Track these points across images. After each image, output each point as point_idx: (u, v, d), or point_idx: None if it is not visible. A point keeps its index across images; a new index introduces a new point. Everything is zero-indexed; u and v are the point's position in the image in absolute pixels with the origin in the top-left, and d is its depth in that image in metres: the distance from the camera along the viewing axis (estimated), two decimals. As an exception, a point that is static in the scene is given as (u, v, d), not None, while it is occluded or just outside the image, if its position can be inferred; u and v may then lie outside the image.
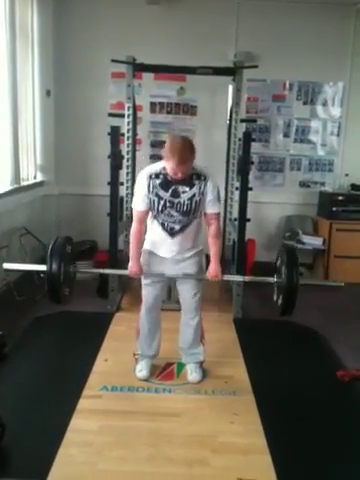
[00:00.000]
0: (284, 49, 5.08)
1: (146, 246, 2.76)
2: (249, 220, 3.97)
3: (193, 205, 2.55)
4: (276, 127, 5.35)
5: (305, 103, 5.30)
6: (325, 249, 5.13)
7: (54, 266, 2.48)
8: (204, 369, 3.01)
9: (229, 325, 3.84)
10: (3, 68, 4.12)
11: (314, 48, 5.09)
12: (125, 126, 4.36)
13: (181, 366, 3.05)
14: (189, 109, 5.27)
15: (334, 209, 5.11)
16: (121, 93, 4.50)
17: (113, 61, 4.21)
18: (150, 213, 2.64)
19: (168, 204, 2.55)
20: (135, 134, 4.65)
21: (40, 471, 2.09)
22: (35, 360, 3.14)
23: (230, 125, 4.62)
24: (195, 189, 2.53)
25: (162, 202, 2.55)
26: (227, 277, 2.91)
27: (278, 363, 3.22)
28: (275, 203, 5.42)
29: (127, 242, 4.42)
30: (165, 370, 3.04)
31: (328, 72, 5.22)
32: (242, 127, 4.70)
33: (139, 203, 2.60)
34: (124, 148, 4.37)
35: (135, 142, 4.69)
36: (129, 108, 4.34)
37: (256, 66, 4.39)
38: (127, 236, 4.42)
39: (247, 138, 3.94)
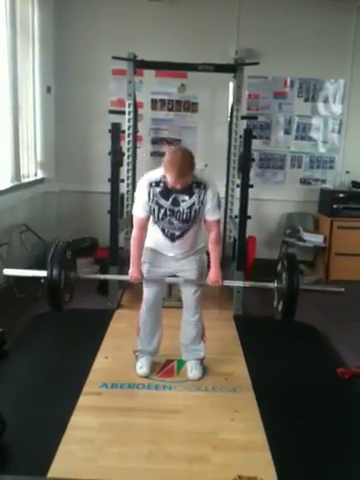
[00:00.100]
0: (285, 46, 5.07)
1: (148, 244, 2.76)
2: (250, 217, 3.97)
3: (193, 213, 2.56)
4: (277, 124, 5.34)
5: (306, 100, 5.29)
6: (326, 246, 5.13)
7: (55, 272, 2.49)
8: (204, 366, 3.01)
9: (229, 322, 3.84)
10: (4, 65, 4.12)
11: (315, 45, 5.08)
12: (126, 123, 4.35)
13: (181, 363, 3.05)
14: (190, 106, 5.26)
15: (335, 206, 5.11)
16: (122, 90, 4.49)
17: (114, 58, 4.21)
18: (151, 217, 2.65)
19: (168, 212, 2.55)
20: (136, 131, 4.65)
21: (40, 468, 2.09)
22: (35, 357, 3.14)
23: (231, 122, 4.61)
24: (195, 198, 2.53)
25: (162, 210, 2.55)
26: (227, 282, 2.91)
27: (278, 360, 3.22)
28: (276, 200, 5.41)
29: (127, 239, 4.43)
30: (165, 367, 3.05)
31: (329, 69, 5.21)
32: (243, 124, 4.70)
33: (140, 210, 2.60)
34: (125, 145, 4.36)
35: (136, 139, 4.69)
36: (130, 105, 4.34)
37: (257, 63, 4.39)
38: (128, 233, 4.42)
39: (248, 135, 3.93)
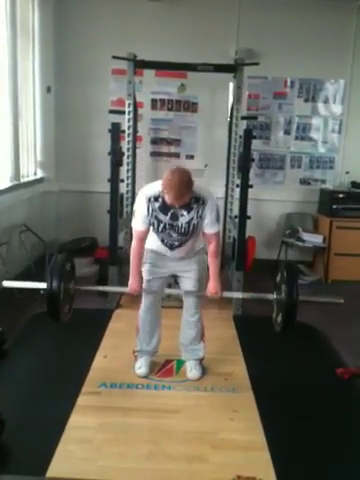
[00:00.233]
0: (285, 46, 5.07)
1: (148, 246, 2.77)
2: (249, 217, 3.97)
3: (191, 227, 2.58)
4: (277, 124, 5.34)
5: (306, 100, 5.29)
6: (325, 247, 5.12)
7: (54, 284, 2.49)
8: (204, 366, 3.01)
9: (229, 322, 3.84)
10: (4, 65, 4.11)
11: (315, 45, 5.07)
12: (126, 123, 4.36)
13: (181, 363, 3.05)
14: (190, 106, 5.26)
15: (334, 207, 5.10)
16: (122, 90, 4.50)
17: (114, 58, 4.21)
18: (150, 227, 2.66)
19: (168, 226, 2.58)
20: (136, 131, 4.65)
21: (39, 467, 2.09)
22: (35, 357, 3.14)
23: (231, 122, 4.62)
24: (193, 213, 2.54)
25: (162, 225, 2.58)
26: (227, 294, 2.92)
27: (278, 360, 3.22)
28: (275, 200, 5.41)
29: (127, 239, 4.44)
30: (164, 367, 3.05)
31: (329, 69, 5.21)
32: (243, 124, 4.70)
33: (139, 224, 2.62)
34: (124, 145, 4.36)
35: (135, 139, 4.69)
36: (130, 105, 4.34)
37: (257, 63, 4.39)
38: (127, 233, 4.43)
39: (248, 135, 3.94)
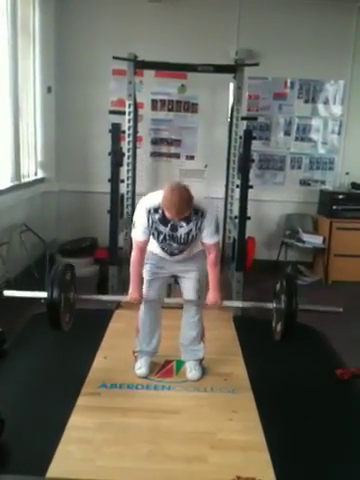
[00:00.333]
0: (285, 47, 5.07)
1: (149, 248, 2.78)
2: (249, 218, 3.97)
3: (190, 238, 2.61)
4: (277, 125, 5.34)
5: (306, 101, 5.29)
6: (325, 248, 5.13)
7: (55, 294, 2.50)
8: (203, 367, 3.01)
9: (229, 323, 3.84)
10: (4, 65, 4.12)
11: (315, 46, 5.08)
12: (126, 123, 4.36)
13: (180, 363, 3.06)
14: (190, 106, 5.26)
15: (334, 207, 5.11)
16: (122, 90, 4.50)
17: (114, 58, 4.21)
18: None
19: (167, 237, 2.61)
20: (136, 131, 4.65)
21: (39, 467, 2.10)
22: (35, 357, 3.15)
23: (231, 123, 4.62)
24: (192, 225, 2.56)
25: (162, 235, 2.61)
26: (226, 303, 2.93)
27: (277, 361, 3.22)
28: (275, 201, 5.42)
29: (127, 239, 4.44)
30: (164, 367, 3.05)
31: (329, 70, 5.21)
32: (243, 125, 4.70)
33: (139, 235, 2.63)
34: (125, 145, 4.36)
35: (136, 139, 4.69)
36: (130, 105, 4.34)
37: (257, 64, 4.39)
38: (127, 234, 4.43)
39: (248, 136, 3.94)
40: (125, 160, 4.35)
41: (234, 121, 4.46)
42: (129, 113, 4.36)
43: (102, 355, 3.19)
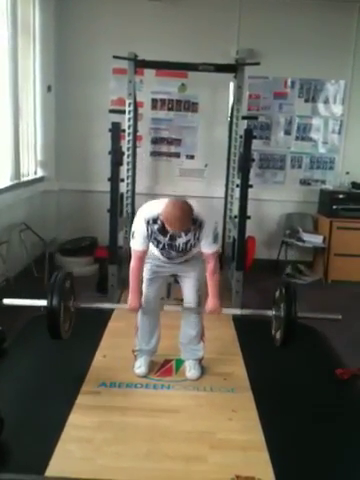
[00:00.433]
0: (286, 46, 5.07)
1: (150, 250, 2.77)
2: (249, 217, 3.97)
3: (188, 247, 2.63)
4: (277, 124, 5.34)
5: (306, 101, 5.29)
6: (325, 247, 5.13)
7: (54, 302, 2.51)
8: (203, 366, 3.01)
9: (228, 322, 3.83)
10: (5, 64, 4.11)
11: (316, 46, 5.07)
12: (126, 122, 4.36)
13: (180, 362, 3.05)
14: (190, 106, 5.26)
15: (334, 207, 5.10)
16: (122, 89, 4.50)
17: (115, 57, 4.22)
18: None
19: (166, 246, 2.63)
20: (136, 130, 4.65)
21: (38, 466, 2.09)
22: (34, 356, 3.14)
23: (231, 122, 4.61)
24: (190, 235, 2.57)
25: (161, 245, 2.63)
26: (226, 311, 2.93)
27: (277, 360, 3.21)
28: (275, 201, 5.41)
29: (126, 238, 4.44)
30: (164, 366, 3.05)
31: (330, 70, 5.21)
32: (243, 124, 4.70)
33: (138, 245, 2.64)
34: (125, 144, 4.36)
35: (136, 138, 4.69)
36: (130, 104, 4.34)
37: (258, 63, 4.39)
38: (127, 232, 4.43)
39: (248, 135, 3.94)
40: (125, 159, 4.36)
41: (234, 120, 4.46)
42: (129, 112, 4.36)
43: (101, 354, 3.19)
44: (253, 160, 4.25)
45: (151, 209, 2.56)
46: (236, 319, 3.89)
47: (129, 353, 3.02)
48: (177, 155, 5.35)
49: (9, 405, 2.48)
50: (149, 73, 4.99)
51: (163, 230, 2.54)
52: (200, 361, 3.00)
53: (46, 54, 4.97)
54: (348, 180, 5.30)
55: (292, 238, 5.20)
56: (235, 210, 4.32)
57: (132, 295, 2.75)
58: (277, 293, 2.76)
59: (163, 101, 5.24)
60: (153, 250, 2.75)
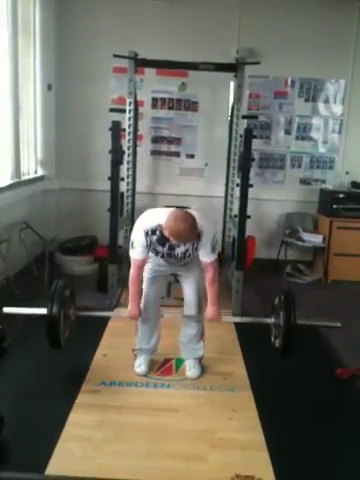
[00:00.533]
0: (286, 46, 5.06)
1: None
2: (249, 217, 3.96)
3: (187, 256, 2.66)
4: (277, 124, 5.34)
5: (307, 100, 5.29)
6: (325, 247, 5.13)
7: (54, 311, 2.54)
8: (203, 365, 3.01)
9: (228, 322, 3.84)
10: (5, 62, 4.11)
11: (316, 45, 5.07)
12: (126, 121, 4.35)
13: (180, 361, 3.06)
14: (190, 105, 5.26)
15: (334, 207, 5.10)
16: (122, 88, 4.50)
17: (115, 56, 4.21)
18: None
19: (165, 255, 2.66)
20: (136, 129, 4.65)
21: (38, 464, 2.10)
22: (34, 355, 3.14)
23: (231, 121, 4.61)
24: (188, 245, 2.58)
25: (160, 254, 2.66)
26: (225, 318, 2.94)
27: (277, 360, 3.21)
28: (275, 200, 5.41)
29: (126, 237, 4.44)
30: (164, 365, 3.05)
31: (330, 69, 5.21)
32: (243, 123, 4.70)
33: (138, 254, 2.66)
34: (125, 143, 4.36)
35: (136, 137, 4.69)
36: (130, 103, 4.34)
37: (258, 63, 4.40)
38: (127, 231, 4.43)
39: (248, 134, 3.93)
40: (125, 158, 4.35)
41: (234, 120, 4.46)
42: (129, 111, 4.35)
43: (101, 353, 3.19)
44: (253, 159, 4.24)
45: (150, 220, 2.57)
46: (236, 318, 3.90)
47: (129, 352, 3.03)
48: (177, 154, 5.35)
49: (9, 404, 2.49)
50: (149, 72, 4.99)
51: (162, 240, 2.54)
52: (200, 360, 3.00)
53: (46, 53, 4.96)
54: (348, 180, 5.30)
55: (292, 238, 5.20)
56: (235, 209, 4.31)
57: (132, 303, 2.77)
58: (276, 300, 2.76)
59: (163, 100, 5.24)
60: (152, 256, 2.76)
